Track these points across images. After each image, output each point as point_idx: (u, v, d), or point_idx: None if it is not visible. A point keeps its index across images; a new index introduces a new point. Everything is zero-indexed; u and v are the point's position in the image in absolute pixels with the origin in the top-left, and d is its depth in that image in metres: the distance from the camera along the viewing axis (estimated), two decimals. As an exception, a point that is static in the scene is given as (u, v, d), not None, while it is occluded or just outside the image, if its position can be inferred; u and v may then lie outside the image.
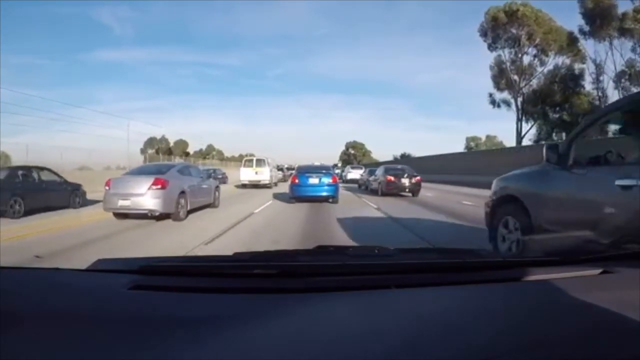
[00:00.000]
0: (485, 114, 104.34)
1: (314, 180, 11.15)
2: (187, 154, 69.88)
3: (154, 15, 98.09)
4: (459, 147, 58.17)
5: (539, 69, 33.46)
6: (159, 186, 7.49)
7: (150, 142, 69.56)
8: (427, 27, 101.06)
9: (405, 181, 14.26)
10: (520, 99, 34.22)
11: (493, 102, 35.78)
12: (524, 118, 34.80)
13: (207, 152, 77.68)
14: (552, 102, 32.83)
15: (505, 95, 35.18)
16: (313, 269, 1.13)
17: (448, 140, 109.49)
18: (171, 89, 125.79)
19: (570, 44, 31.09)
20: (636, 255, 1.21)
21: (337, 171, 42.76)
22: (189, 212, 8.39)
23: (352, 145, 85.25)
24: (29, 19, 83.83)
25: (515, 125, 34.68)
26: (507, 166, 21.66)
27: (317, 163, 16.86)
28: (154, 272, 1.07)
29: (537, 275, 1.10)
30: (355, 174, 26.98)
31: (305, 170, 11.78)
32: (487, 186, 17.19)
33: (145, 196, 7.40)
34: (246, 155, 28.70)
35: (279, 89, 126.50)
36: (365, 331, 0.78)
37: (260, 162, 19.83)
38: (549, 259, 1.29)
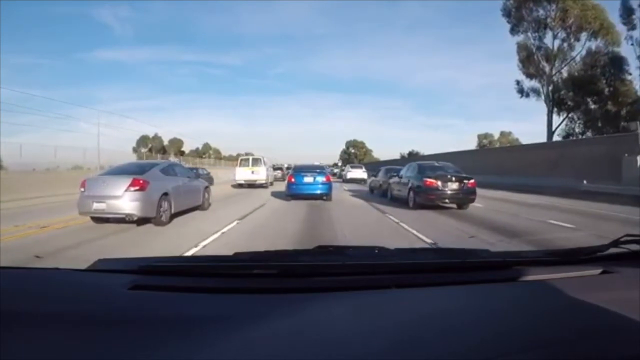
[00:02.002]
0: (487, 113, 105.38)
1: (308, 179, 12.37)
2: (182, 153, 69.92)
3: (154, 15, 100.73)
4: (463, 145, 57.65)
5: (574, 52, 30.59)
6: (137, 187, 7.18)
7: (143, 140, 69.51)
8: (428, 26, 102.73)
9: (454, 186, 10.18)
10: (550, 88, 31.32)
11: (521, 91, 32.90)
12: (554, 110, 31.62)
13: (204, 151, 77.63)
14: (593, 91, 29.39)
15: (534, 83, 32.40)
16: (313, 269, 1.17)
17: (450, 139, 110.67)
18: (171, 88, 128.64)
19: (626, 14, 27.29)
20: (636, 255, 1.24)
21: (335, 170, 42.98)
22: (174, 215, 8.12)
23: (353, 144, 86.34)
24: (27, 18, 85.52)
25: (522, 122, 33.25)
26: (546, 165, 19.07)
27: (316, 162, 18.23)
28: (154, 272, 1.11)
29: (537, 275, 1.14)
30: (355, 173, 26.84)
31: (301, 170, 13.10)
32: (542, 191, 14.22)
33: (122, 199, 7.08)
34: (244, 154, 28.42)
35: (280, 88, 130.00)
36: (365, 331, 0.81)
37: (256, 162, 19.99)
38: (549, 258, 1.33)
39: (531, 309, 0.96)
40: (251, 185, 19.27)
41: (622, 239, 1.27)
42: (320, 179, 12.42)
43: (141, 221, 7.30)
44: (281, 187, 16.62)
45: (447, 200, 10.27)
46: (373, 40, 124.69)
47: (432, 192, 10.06)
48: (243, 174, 19.59)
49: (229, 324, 0.80)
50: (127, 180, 7.24)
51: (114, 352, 0.73)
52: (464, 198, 10.28)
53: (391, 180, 13.03)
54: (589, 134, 30.30)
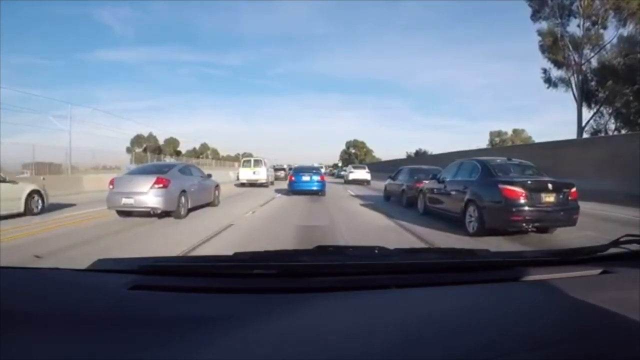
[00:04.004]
0: (490, 112, 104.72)
1: (306, 178, 15.16)
2: (179, 153, 69.33)
3: (154, 15, 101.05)
4: (464, 145, 56.94)
5: (606, 39, 26.53)
6: (161, 185, 8.10)
7: (138, 140, 67.93)
8: (428, 26, 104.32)
9: (550, 199, 5.99)
10: (581, 77, 27.62)
11: (548, 81, 29.30)
12: (584, 103, 27.83)
13: (201, 151, 78.31)
14: (635, 80, 25.24)
15: (562, 73, 28.85)
16: (313, 269, 1.17)
17: (452, 139, 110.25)
18: (170, 88, 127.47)
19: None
20: (636, 255, 1.23)
21: (334, 171, 44.90)
22: (190, 210, 8.93)
23: (353, 144, 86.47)
24: (25, 17, 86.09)
25: (526, 122, 28.49)
26: (592, 165, 16.54)
27: (315, 164, 21.37)
28: (154, 272, 1.10)
29: (537, 275, 1.12)
30: (358, 174, 26.83)
31: (300, 170, 15.94)
32: (604, 199, 11.57)
33: (148, 194, 7.97)
34: (244, 155, 29.99)
35: (280, 88, 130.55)
36: (365, 331, 0.80)
37: (257, 163, 21.52)
38: (549, 258, 1.33)
39: (531, 309, 0.95)
40: (253, 184, 20.58)
41: (622, 239, 1.25)
42: (316, 178, 15.09)
43: (162, 214, 8.16)
44: (282, 185, 18.08)
45: (537, 223, 5.97)
46: (373, 40, 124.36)
47: (518, 209, 5.80)
48: (245, 174, 21.05)
49: (229, 324, 0.80)
50: (152, 179, 8.16)
51: (114, 352, 0.72)
52: (565, 219, 6.05)
53: (425, 186, 8.95)
54: (623, 131, 26.53)
